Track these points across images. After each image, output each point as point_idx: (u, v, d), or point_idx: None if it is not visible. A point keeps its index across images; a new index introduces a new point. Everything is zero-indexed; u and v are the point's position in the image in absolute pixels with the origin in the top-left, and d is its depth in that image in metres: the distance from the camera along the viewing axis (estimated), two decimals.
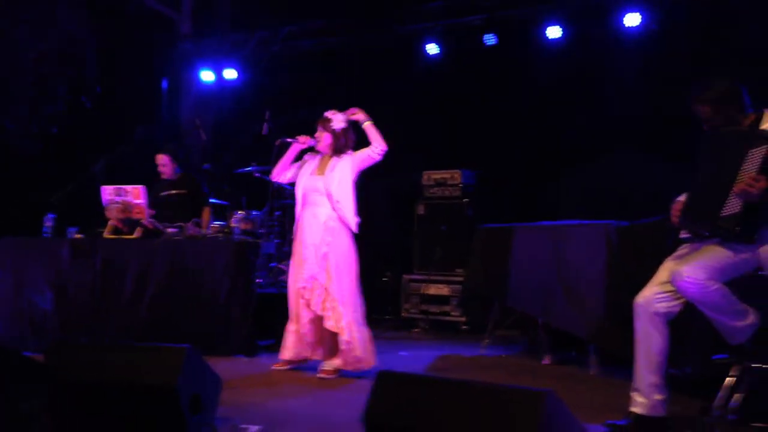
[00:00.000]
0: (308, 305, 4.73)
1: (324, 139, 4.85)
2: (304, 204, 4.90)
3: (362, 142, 4.98)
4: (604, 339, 4.65)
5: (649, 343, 3.44)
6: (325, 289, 4.69)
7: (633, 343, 3.52)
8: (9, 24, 8.51)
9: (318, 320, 4.74)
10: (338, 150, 4.86)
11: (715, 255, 3.31)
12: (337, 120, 4.82)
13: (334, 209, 4.78)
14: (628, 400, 3.52)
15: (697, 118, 3.59)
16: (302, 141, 4.88)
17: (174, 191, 6.41)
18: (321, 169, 4.87)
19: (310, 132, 4.99)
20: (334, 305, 4.67)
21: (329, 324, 4.65)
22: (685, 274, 3.26)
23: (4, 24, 8.51)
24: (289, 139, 4.92)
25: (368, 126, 4.84)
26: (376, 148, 4.79)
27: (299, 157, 5.08)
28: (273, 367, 4.99)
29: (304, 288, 4.74)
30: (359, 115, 4.87)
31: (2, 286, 6.01)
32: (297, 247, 4.91)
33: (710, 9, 6.63)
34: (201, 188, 6.57)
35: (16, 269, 5.99)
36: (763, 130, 3.36)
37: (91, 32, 9.15)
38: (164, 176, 6.48)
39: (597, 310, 4.67)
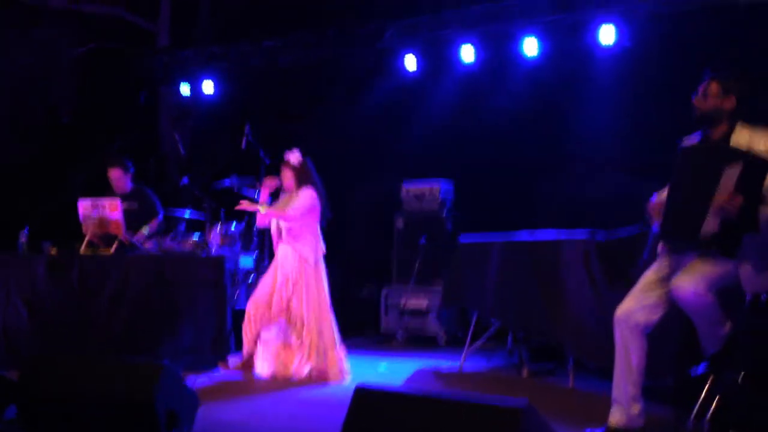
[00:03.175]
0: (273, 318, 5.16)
1: (286, 177, 5.30)
2: (278, 238, 5.33)
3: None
4: (584, 351, 4.67)
5: (628, 354, 3.49)
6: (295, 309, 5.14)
7: (612, 355, 3.55)
8: None
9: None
10: (301, 183, 5.27)
11: (709, 268, 3.37)
12: (294, 156, 5.29)
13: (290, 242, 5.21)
14: (606, 412, 3.55)
15: (678, 126, 3.65)
16: (267, 184, 5.39)
17: (125, 203, 6.27)
18: (284, 205, 5.28)
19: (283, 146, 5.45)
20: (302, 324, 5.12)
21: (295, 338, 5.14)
22: (689, 286, 3.32)
23: None
24: (257, 185, 5.50)
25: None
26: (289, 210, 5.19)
27: (276, 195, 5.49)
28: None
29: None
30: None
31: None
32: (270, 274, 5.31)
33: (686, 26, 6.73)
34: (152, 201, 6.51)
35: None
36: (735, 148, 3.40)
37: (68, 46, 9.08)
38: (117, 191, 6.41)
39: (577, 324, 4.69)
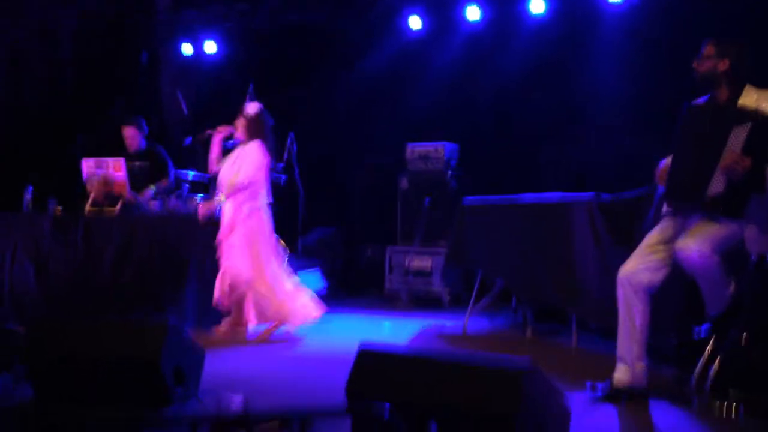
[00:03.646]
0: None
1: (240, 125, 5.22)
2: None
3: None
4: (588, 311, 4.69)
5: (631, 315, 3.51)
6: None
7: (616, 315, 3.57)
8: None
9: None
10: (252, 135, 5.19)
11: (714, 229, 3.37)
12: (252, 107, 5.23)
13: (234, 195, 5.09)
14: (609, 370, 3.57)
15: (684, 86, 3.62)
16: (221, 130, 5.28)
17: (137, 162, 6.31)
18: (231, 170, 5.17)
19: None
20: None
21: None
22: (693, 247, 3.32)
23: None
24: (209, 131, 5.31)
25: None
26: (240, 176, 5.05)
27: (230, 138, 5.42)
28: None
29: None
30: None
31: None
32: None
33: None
34: (164, 160, 6.52)
35: None
36: (743, 107, 3.38)
37: (68, 6, 8.96)
38: (131, 149, 6.42)
39: (581, 284, 4.70)
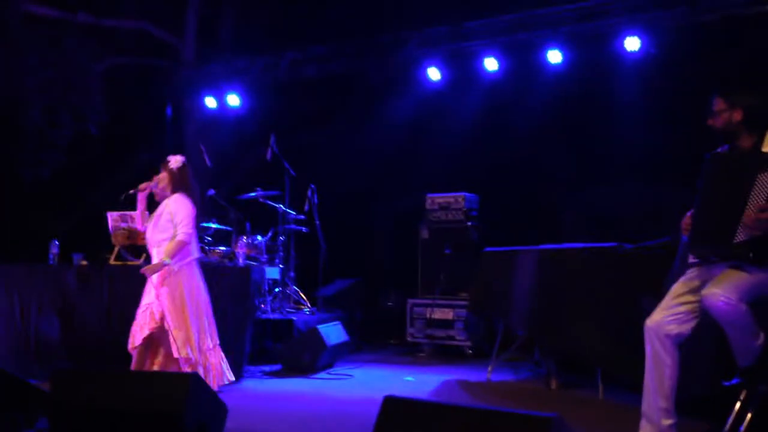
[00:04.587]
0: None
1: (162, 179, 5.04)
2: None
3: None
4: (613, 364, 4.62)
5: (659, 367, 3.43)
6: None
7: (642, 367, 3.51)
8: (16, 52, 8.56)
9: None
10: (176, 189, 5.00)
11: (741, 277, 3.32)
12: (175, 160, 5.06)
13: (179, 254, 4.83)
14: (636, 425, 3.50)
15: (704, 134, 3.62)
16: (143, 188, 5.07)
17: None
18: (152, 216, 5.01)
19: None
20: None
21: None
22: (720, 295, 3.27)
23: (12, 51, 8.56)
24: (132, 191, 5.09)
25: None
26: (181, 234, 4.81)
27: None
28: None
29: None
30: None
31: (8, 313, 5.99)
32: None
33: (710, 34, 6.67)
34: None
35: (22, 296, 5.98)
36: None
37: (96, 60, 9.20)
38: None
39: (604, 335, 4.64)
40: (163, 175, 5.03)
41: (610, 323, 4.63)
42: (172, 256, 4.72)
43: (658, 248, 4.51)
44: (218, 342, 4.95)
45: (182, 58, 9.74)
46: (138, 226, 5.21)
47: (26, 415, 3.47)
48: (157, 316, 4.71)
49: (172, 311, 4.72)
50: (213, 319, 4.96)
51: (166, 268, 4.71)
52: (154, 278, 4.77)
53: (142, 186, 5.06)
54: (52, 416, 3.28)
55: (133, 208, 5.19)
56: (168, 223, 4.83)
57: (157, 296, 4.74)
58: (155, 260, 4.83)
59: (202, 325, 4.84)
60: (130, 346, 4.75)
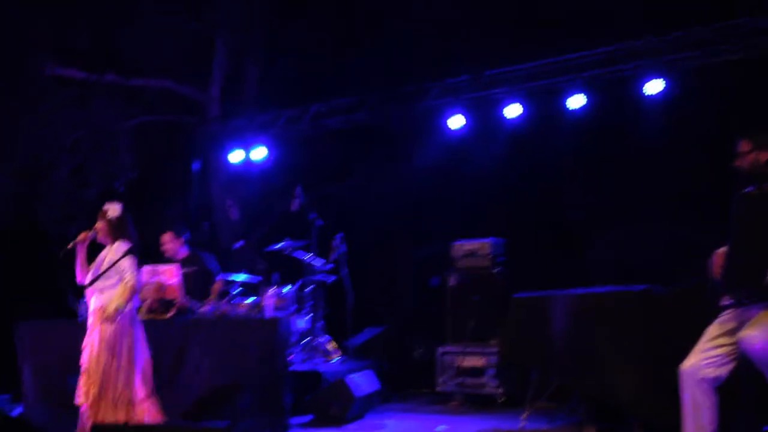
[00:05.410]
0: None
1: (101, 229, 5.04)
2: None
3: None
4: (649, 410, 4.53)
5: (698, 412, 3.37)
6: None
7: (679, 413, 3.44)
8: (46, 110, 8.78)
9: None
10: (116, 237, 5.01)
11: None
12: (113, 208, 5.07)
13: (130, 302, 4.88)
14: None
15: (729, 175, 3.61)
16: (82, 238, 5.03)
17: (185, 268, 6.43)
18: (92, 264, 5.02)
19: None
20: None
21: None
22: (757, 337, 3.22)
23: (40, 113, 8.77)
24: (69, 246, 5.05)
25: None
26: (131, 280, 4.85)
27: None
28: None
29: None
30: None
31: (38, 370, 6.03)
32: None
33: (731, 74, 6.68)
34: (207, 265, 6.64)
35: (51, 353, 6.03)
36: None
37: (123, 119, 9.40)
38: (167, 254, 6.55)
39: (640, 379, 4.56)
40: (102, 225, 5.03)
41: (646, 368, 4.55)
42: (126, 301, 4.75)
43: (691, 290, 4.46)
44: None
45: (208, 114, 9.93)
46: (79, 277, 5.09)
47: None
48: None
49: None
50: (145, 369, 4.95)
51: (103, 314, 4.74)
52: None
53: (81, 237, 5.03)
54: None
55: (74, 261, 5.11)
56: (112, 272, 4.83)
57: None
58: (93, 307, 4.85)
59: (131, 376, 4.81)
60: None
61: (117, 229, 5.03)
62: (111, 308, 4.75)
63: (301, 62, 9.49)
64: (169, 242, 6.61)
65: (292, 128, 9.14)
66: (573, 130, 7.59)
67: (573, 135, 7.59)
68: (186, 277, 6.34)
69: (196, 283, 6.46)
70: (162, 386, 5.58)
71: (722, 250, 3.54)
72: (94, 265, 5.00)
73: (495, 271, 7.27)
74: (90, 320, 4.93)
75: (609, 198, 7.36)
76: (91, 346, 4.83)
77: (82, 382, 4.83)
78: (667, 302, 4.62)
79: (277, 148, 9.34)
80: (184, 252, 6.68)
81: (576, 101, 7.35)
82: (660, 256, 6.64)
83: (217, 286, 6.54)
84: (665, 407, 4.13)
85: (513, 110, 7.72)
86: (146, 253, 6.79)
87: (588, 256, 7.37)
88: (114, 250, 4.95)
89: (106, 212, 5.05)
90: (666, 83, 6.88)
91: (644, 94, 7.02)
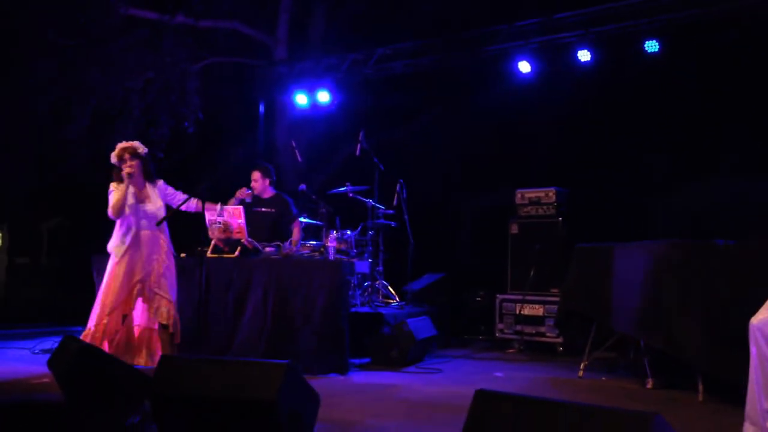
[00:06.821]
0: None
1: (136, 166, 5.29)
2: (138, 227, 5.33)
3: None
4: (714, 364, 4.44)
5: (765, 367, 3.28)
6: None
7: (746, 367, 3.36)
8: (118, 50, 8.93)
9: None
10: (148, 174, 5.40)
11: None
12: (141, 146, 5.37)
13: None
14: (738, 428, 3.36)
15: None
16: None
17: (264, 209, 6.59)
18: (141, 196, 5.36)
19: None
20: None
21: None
22: None
23: (113, 49, 8.93)
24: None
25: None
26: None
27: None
28: None
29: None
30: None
31: None
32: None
33: None
34: (290, 208, 6.73)
35: None
36: None
37: (192, 60, 9.51)
38: (255, 192, 6.65)
39: (706, 333, 4.47)
40: (136, 162, 5.29)
41: (713, 321, 4.45)
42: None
43: (760, 244, 4.31)
44: None
45: (274, 57, 9.96)
46: (111, 215, 5.31)
47: (132, 399, 3.63)
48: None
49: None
50: None
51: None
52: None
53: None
54: (154, 401, 3.42)
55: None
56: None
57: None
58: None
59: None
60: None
61: (150, 168, 5.41)
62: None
63: (367, 4, 9.39)
64: (257, 180, 6.73)
65: (357, 71, 9.10)
66: (644, 78, 7.35)
67: (644, 84, 7.34)
68: (265, 217, 6.54)
69: (276, 223, 6.60)
70: (226, 323, 5.78)
71: None
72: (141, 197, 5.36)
73: (559, 220, 7.18)
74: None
75: (677, 151, 7.13)
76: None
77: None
78: (735, 256, 4.48)
79: (341, 92, 9.34)
80: (270, 192, 6.80)
81: (651, 47, 7.08)
82: (731, 212, 6.42)
83: (297, 230, 6.66)
84: (730, 361, 4.05)
85: (583, 56, 7.50)
86: (213, 193, 6.97)
87: (652, 209, 7.19)
88: (156, 192, 5.41)
89: (136, 149, 5.33)
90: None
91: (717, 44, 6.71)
